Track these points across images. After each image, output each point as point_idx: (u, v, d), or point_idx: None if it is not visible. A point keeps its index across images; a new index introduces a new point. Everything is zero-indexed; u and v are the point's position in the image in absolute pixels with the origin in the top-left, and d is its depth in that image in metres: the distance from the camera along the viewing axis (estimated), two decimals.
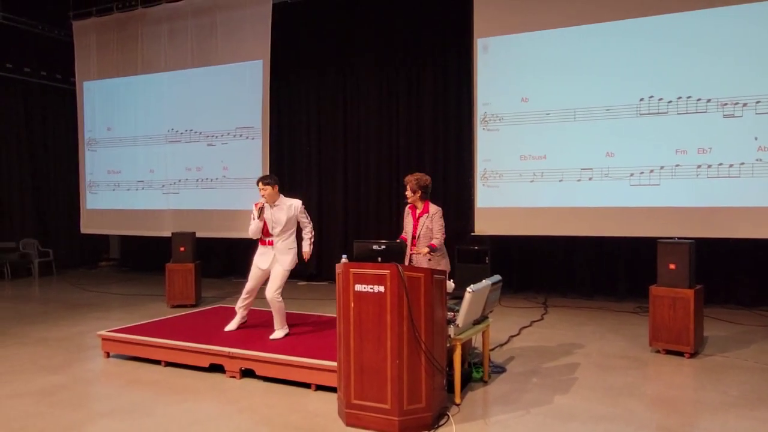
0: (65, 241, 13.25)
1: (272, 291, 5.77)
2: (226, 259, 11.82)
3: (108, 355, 6.03)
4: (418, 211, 5.57)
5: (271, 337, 5.77)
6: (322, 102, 10.96)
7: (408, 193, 5.55)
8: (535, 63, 8.39)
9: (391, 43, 10.30)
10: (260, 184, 5.78)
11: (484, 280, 4.71)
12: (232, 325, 6.14)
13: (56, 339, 6.88)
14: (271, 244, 5.86)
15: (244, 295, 6.11)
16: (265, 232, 5.85)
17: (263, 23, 10.16)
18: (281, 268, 5.82)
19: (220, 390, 4.98)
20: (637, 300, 8.10)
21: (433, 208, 5.56)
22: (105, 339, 6.04)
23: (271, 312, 5.95)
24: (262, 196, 5.76)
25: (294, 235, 5.92)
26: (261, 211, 5.76)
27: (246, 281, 6.11)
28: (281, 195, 5.85)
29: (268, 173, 10.13)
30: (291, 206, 5.82)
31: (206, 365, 5.41)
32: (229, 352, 5.30)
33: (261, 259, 5.94)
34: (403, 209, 5.79)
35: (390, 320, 3.99)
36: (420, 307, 4.04)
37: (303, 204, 5.91)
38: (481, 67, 8.73)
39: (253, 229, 5.87)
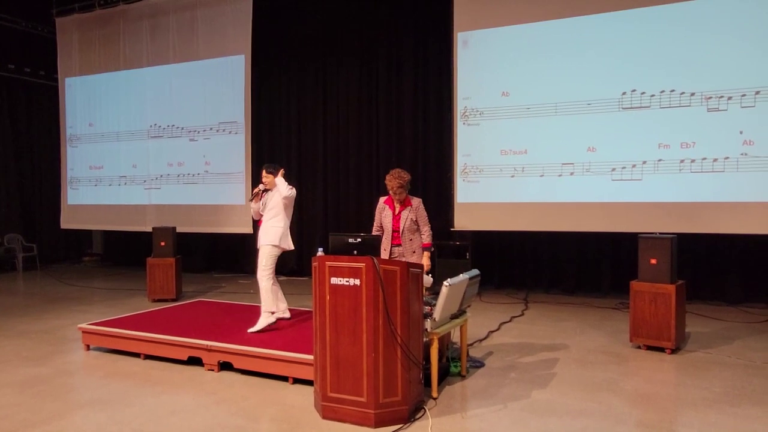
0: (49, 236, 13.21)
1: (258, 270, 5.94)
2: (208, 254, 11.80)
3: (88, 348, 6.08)
4: (397, 205, 5.53)
5: (249, 330, 5.72)
6: (302, 97, 10.91)
7: (403, 195, 5.44)
8: (515, 57, 8.34)
9: (371, 37, 10.25)
10: (263, 171, 6.06)
11: (461, 274, 4.69)
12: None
13: (39, 331, 6.94)
14: (260, 223, 6.12)
15: None
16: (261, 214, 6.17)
17: (244, 18, 10.14)
18: (263, 246, 5.96)
19: (199, 382, 4.99)
20: (620, 296, 8.09)
21: (415, 201, 5.57)
22: (85, 332, 6.08)
23: (246, 305, 5.95)
24: (263, 182, 6.01)
25: (280, 216, 5.98)
26: (255, 195, 6.05)
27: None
28: (279, 178, 6.07)
29: (251, 167, 10.15)
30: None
31: (185, 358, 5.42)
32: (207, 345, 5.28)
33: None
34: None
35: (366, 313, 3.96)
36: (396, 301, 4.01)
37: (292, 188, 6.03)
38: (461, 62, 8.68)
39: (252, 211, 6.21)
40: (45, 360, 5.72)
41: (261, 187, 6.04)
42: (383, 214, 5.59)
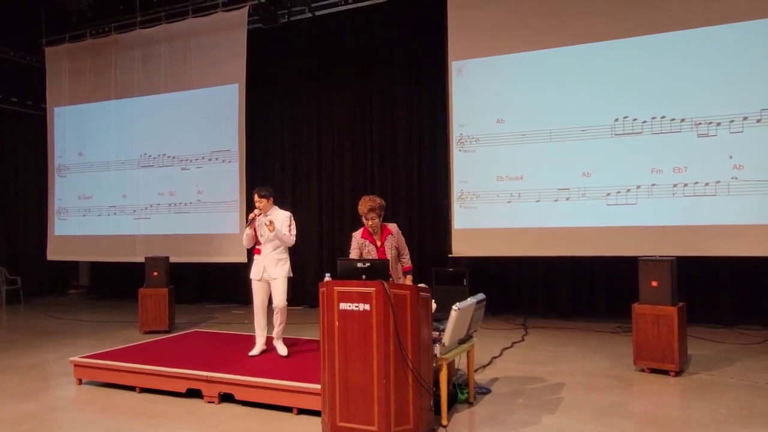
0: (33, 268, 12.92)
1: (282, 301, 5.89)
2: (200, 284, 11.61)
3: (80, 382, 5.88)
4: (377, 236, 5.30)
5: (280, 352, 5.87)
6: (296, 124, 10.92)
7: (376, 221, 5.22)
8: (509, 85, 8.45)
9: (365, 65, 10.33)
10: (256, 195, 5.95)
11: (469, 298, 4.66)
12: (254, 350, 6.05)
13: (26, 366, 6.71)
14: (259, 252, 5.98)
15: (255, 316, 6.11)
16: (258, 240, 6.01)
17: (239, 47, 10.10)
18: (276, 280, 5.91)
19: (198, 415, 4.85)
20: (618, 320, 8.10)
21: (393, 227, 5.40)
22: (78, 365, 5.90)
23: (244, 335, 5.94)
24: (258, 207, 5.91)
25: (283, 247, 5.97)
26: (252, 220, 5.93)
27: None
28: (275, 207, 6.03)
29: (245, 196, 10.08)
30: (279, 217, 5.95)
31: (183, 390, 5.27)
32: (206, 377, 5.15)
33: (254, 271, 6.03)
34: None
35: (376, 339, 3.91)
36: (406, 325, 3.96)
37: (291, 216, 6.02)
38: (456, 90, 8.76)
39: (245, 239, 6.04)
40: (34, 395, 5.52)
41: (256, 212, 5.93)
42: (365, 249, 5.28)
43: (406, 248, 5.47)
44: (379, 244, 5.29)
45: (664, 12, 7.61)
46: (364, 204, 5.20)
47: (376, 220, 5.22)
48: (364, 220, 5.26)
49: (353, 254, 5.30)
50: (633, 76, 7.76)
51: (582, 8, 8.07)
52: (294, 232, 5.96)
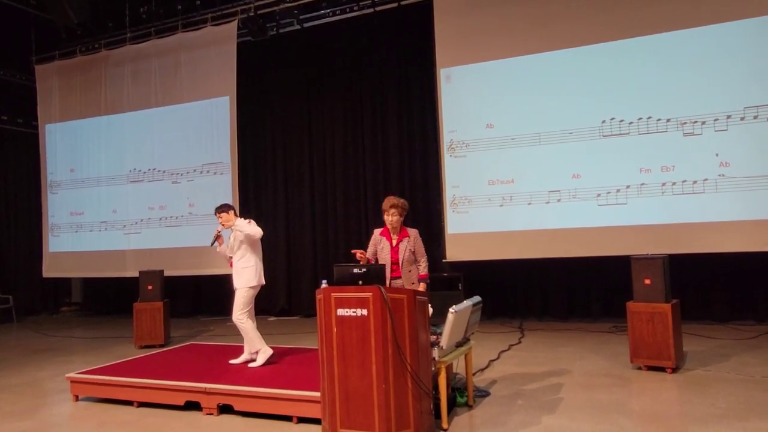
0: (25, 286, 12.85)
1: (234, 313, 5.93)
2: (194, 297, 11.58)
3: (77, 399, 5.83)
4: (394, 236, 5.42)
5: (250, 365, 5.79)
6: (288, 135, 10.97)
7: (396, 218, 5.31)
8: (498, 90, 8.54)
9: (355, 75, 10.42)
10: (216, 214, 6.11)
11: (465, 301, 4.68)
12: (236, 359, 6.09)
13: (20, 384, 6.65)
14: (231, 265, 6.08)
15: None
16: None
17: (229, 60, 10.14)
18: (238, 289, 5.95)
19: (197, 428, 4.83)
20: (613, 319, 8.15)
21: (413, 231, 5.46)
22: (74, 381, 5.84)
23: (241, 347, 6.05)
24: (221, 224, 6.05)
25: (249, 255, 6.00)
26: (216, 238, 6.09)
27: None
28: (239, 218, 6.08)
29: (238, 207, 10.08)
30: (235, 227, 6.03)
31: (182, 403, 5.24)
32: (205, 388, 5.13)
33: None
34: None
35: (374, 343, 3.92)
36: (404, 329, 3.97)
37: (247, 220, 6.03)
38: (445, 96, 8.85)
39: (223, 255, 6.22)
40: (30, 414, 5.47)
41: (220, 228, 6.05)
42: (380, 246, 5.41)
43: (425, 256, 5.50)
44: (394, 243, 5.36)
45: (647, 15, 7.74)
46: (388, 200, 5.35)
47: (397, 217, 5.31)
48: (384, 216, 5.35)
49: (369, 251, 5.44)
50: (618, 78, 7.88)
51: (566, 14, 8.19)
52: (254, 224, 5.97)
